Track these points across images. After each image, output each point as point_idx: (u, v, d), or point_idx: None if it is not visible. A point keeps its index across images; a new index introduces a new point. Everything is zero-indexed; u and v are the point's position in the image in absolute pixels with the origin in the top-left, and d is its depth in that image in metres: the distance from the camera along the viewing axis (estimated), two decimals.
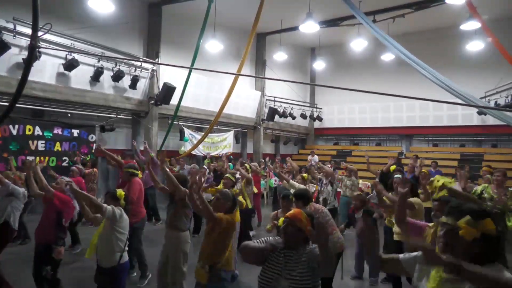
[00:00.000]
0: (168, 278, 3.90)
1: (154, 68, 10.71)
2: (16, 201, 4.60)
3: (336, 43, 15.61)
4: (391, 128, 15.56)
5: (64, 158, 8.81)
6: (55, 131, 8.66)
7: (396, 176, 4.96)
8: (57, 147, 8.70)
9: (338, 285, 4.65)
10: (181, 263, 3.91)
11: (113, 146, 10.18)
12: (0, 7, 7.79)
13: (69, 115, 9.19)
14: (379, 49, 12.91)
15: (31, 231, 5.95)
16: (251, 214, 7.37)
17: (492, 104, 11.89)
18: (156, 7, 11.16)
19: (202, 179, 3.36)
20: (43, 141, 8.43)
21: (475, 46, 11.54)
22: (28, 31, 4.57)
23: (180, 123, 11.51)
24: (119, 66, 9.49)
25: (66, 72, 8.57)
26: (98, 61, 9.03)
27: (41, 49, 7.26)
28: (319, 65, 14.98)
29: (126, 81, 9.79)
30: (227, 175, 5.73)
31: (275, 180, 10.19)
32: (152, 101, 10.73)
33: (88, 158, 8.73)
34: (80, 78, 8.94)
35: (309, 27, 9.49)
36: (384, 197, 4.05)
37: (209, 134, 11.48)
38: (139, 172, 5.12)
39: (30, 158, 7.76)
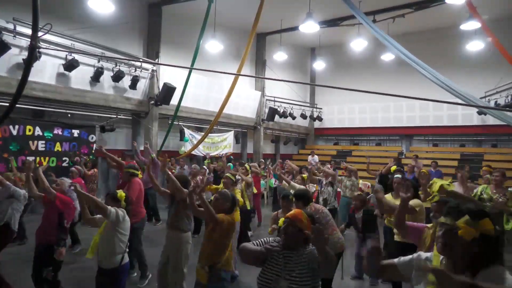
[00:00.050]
0: (168, 278, 3.90)
1: (154, 68, 10.72)
2: (16, 202, 4.60)
3: (336, 43, 15.61)
4: (391, 128, 15.56)
5: (64, 159, 8.81)
6: (55, 132, 8.67)
7: (396, 176, 4.95)
8: (57, 147, 8.70)
9: (338, 285, 4.65)
10: (182, 263, 3.91)
11: (113, 147, 10.19)
12: (0, 7, 7.80)
13: (69, 115, 9.20)
14: (379, 49, 12.91)
15: (30, 231, 5.95)
16: (250, 215, 7.38)
17: (492, 104, 11.89)
18: (156, 7, 11.16)
19: (204, 181, 3.37)
20: (43, 142, 8.44)
21: (475, 46, 11.54)
22: (28, 31, 4.57)
23: (180, 123, 11.51)
24: (119, 66, 9.49)
25: (66, 72, 8.58)
26: (98, 62, 9.04)
27: (41, 50, 7.26)
28: (319, 65, 14.98)
29: (126, 81, 9.79)
30: (227, 174, 5.74)
31: (275, 181, 10.18)
32: (152, 101, 10.74)
33: (88, 159, 8.73)
34: (80, 78, 8.95)
35: (309, 27, 9.49)
36: (384, 204, 4.05)
37: (209, 134, 11.48)
38: (139, 172, 5.12)
39: (30, 158, 7.78)
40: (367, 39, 12.00)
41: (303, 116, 15.80)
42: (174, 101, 10.19)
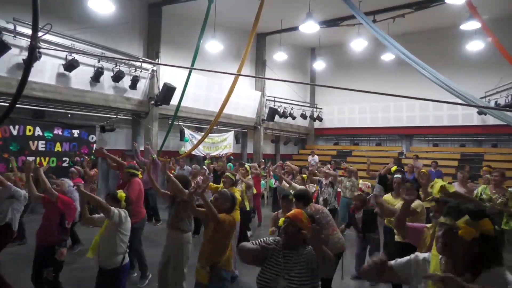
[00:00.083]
0: (169, 279, 3.90)
1: (154, 68, 10.72)
2: (17, 203, 4.60)
3: (336, 43, 15.61)
4: (391, 128, 15.57)
5: (64, 159, 8.82)
6: (56, 132, 8.67)
7: (396, 176, 4.96)
8: (58, 147, 8.70)
9: (338, 285, 4.65)
10: (183, 264, 3.91)
11: (113, 147, 10.19)
12: (0, 7, 7.80)
13: (69, 115, 9.20)
14: (379, 49, 12.91)
15: (29, 231, 5.95)
16: (250, 215, 7.38)
17: (492, 104, 11.89)
18: (156, 7, 11.16)
19: (205, 181, 3.37)
20: (44, 142, 8.44)
21: (475, 46, 11.54)
22: (28, 31, 4.57)
23: (180, 123, 11.51)
24: (119, 66, 9.50)
25: (66, 72, 8.58)
26: (98, 62, 9.04)
27: (41, 50, 7.26)
28: (319, 65, 14.98)
29: (126, 81, 9.79)
30: (226, 173, 5.74)
31: (275, 181, 10.18)
32: (152, 102, 10.74)
33: (89, 159, 8.74)
34: (80, 78, 8.95)
35: (309, 27, 9.49)
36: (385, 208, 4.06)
37: (209, 135, 11.48)
38: (139, 173, 5.12)
39: (31, 158, 7.78)
40: (367, 39, 12.00)
41: (303, 116, 15.80)
42: (174, 101, 10.19)
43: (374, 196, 3.83)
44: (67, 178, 5.15)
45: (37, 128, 8.32)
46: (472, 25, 9.48)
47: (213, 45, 10.87)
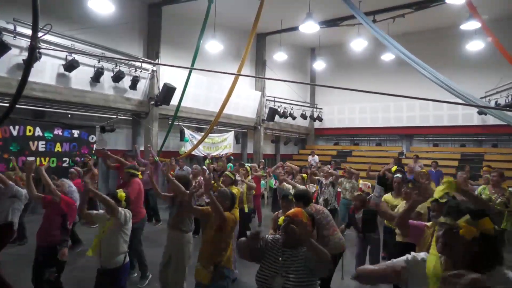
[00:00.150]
0: (169, 279, 3.90)
1: (154, 68, 10.72)
2: (18, 202, 4.61)
3: (336, 43, 15.61)
4: (391, 128, 15.56)
5: (64, 159, 8.82)
6: (56, 132, 8.67)
7: (396, 176, 4.96)
8: (58, 147, 8.71)
9: (338, 285, 4.65)
10: (184, 264, 3.92)
11: (113, 147, 10.19)
12: (0, 8, 7.80)
13: (69, 115, 9.20)
14: (379, 49, 12.91)
15: (29, 231, 5.97)
16: (250, 215, 7.38)
17: (492, 104, 11.89)
18: (156, 7, 11.16)
19: (209, 180, 3.37)
20: (44, 142, 8.44)
21: (475, 46, 11.54)
22: (28, 32, 4.57)
23: (180, 123, 11.52)
24: (119, 66, 9.50)
25: (66, 73, 8.58)
26: (98, 62, 9.04)
27: (41, 50, 7.26)
28: (319, 65, 14.98)
29: (126, 81, 9.79)
30: (226, 172, 5.75)
31: (275, 181, 10.18)
32: (152, 102, 10.74)
33: (88, 159, 8.76)
34: (80, 78, 8.95)
35: (309, 27, 9.48)
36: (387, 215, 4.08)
37: (209, 135, 11.48)
38: (139, 173, 5.13)
39: (31, 159, 7.78)
40: (367, 39, 12.00)
41: (303, 116, 15.80)
42: (174, 101, 10.20)
43: (376, 204, 3.85)
44: (67, 178, 5.17)
45: (37, 129, 8.33)
46: (472, 25, 9.48)
47: (213, 45, 10.86)
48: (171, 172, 8.62)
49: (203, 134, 11.33)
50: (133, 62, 9.86)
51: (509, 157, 12.43)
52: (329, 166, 9.32)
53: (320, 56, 15.15)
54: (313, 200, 4.65)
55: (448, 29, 13.04)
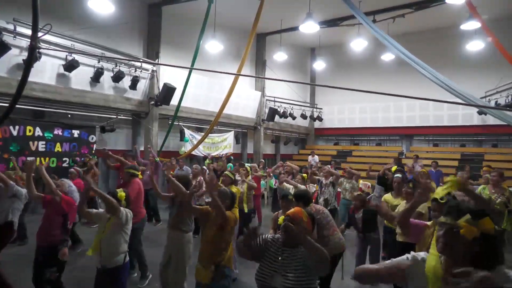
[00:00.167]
0: (170, 279, 3.90)
1: (154, 68, 10.72)
2: (17, 201, 4.60)
3: (336, 43, 15.61)
4: (391, 128, 15.56)
5: (64, 159, 8.82)
6: (56, 132, 8.67)
7: (396, 175, 4.96)
8: (58, 148, 8.71)
9: (338, 285, 4.66)
10: (184, 263, 3.92)
11: (113, 147, 10.18)
12: (0, 8, 7.81)
13: (69, 115, 9.20)
14: (379, 49, 12.91)
15: (29, 231, 5.97)
16: (251, 215, 7.37)
17: (492, 103, 11.89)
18: (156, 7, 11.16)
19: (213, 179, 3.37)
20: (44, 142, 8.44)
21: (475, 46, 11.54)
22: (28, 32, 4.57)
23: (180, 123, 11.52)
24: (119, 66, 9.50)
25: (66, 73, 8.58)
26: (98, 62, 9.04)
27: (41, 50, 7.26)
28: (319, 65, 14.98)
29: (126, 81, 9.80)
30: (225, 172, 5.75)
31: (275, 181, 10.18)
32: (152, 102, 10.74)
33: (88, 159, 8.76)
34: (80, 78, 8.95)
35: (309, 27, 9.48)
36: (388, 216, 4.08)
37: (209, 135, 11.48)
38: (139, 173, 5.13)
39: (30, 159, 7.77)
40: (367, 39, 12.00)
41: (303, 116, 15.80)
42: (174, 101, 10.20)
43: (378, 207, 3.85)
44: (67, 178, 5.17)
45: (37, 129, 8.33)
46: (472, 25, 9.48)
47: (213, 45, 10.86)
48: (171, 172, 8.64)
49: (203, 134, 11.33)
50: (133, 62, 9.87)
51: (509, 157, 12.43)
52: (329, 166, 9.31)
53: (320, 56, 15.15)
54: (313, 200, 4.65)
55: (448, 29, 13.04)
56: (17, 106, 3.11)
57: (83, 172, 6.30)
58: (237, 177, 6.53)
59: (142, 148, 10.72)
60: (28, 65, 3.24)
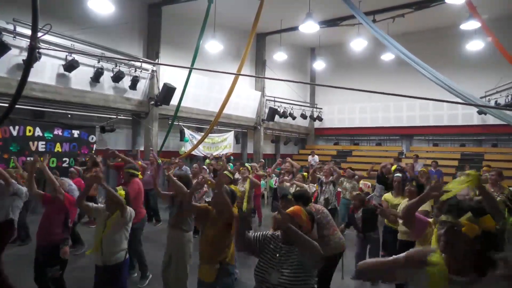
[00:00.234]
0: (171, 278, 3.90)
1: (154, 68, 10.72)
2: (18, 200, 4.60)
3: (336, 43, 15.61)
4: (391, 128, 15.57)
5: (64, 159, 8.82)
6: (55, 132, 8.67)
7: (396, 175, 4.96)
8: (58, 148, 8.71)
9: (338, 285, 4.65)
10: (185, 262, 3.92)
11: (113, 147, 10.15)
12: (0, 8, 7.80)
13: (69, 116, 9.21)
14: (379, 49, 12.91)
15: (30, 231, 5.97)
16: (251, 214, 7.36)
17: (492, 103, 11.89)
18: (156, 7, 11.17)
19: (224, 176, 3.39)
20: (44, 142, 8.44)
21: (475, 46, 11.54)
22: (28, 32, 4.58)
23: (180, 123, 11.52)
24: (119, 66, 9.50)
25: (66, 73, 8.58)
26: (98, 62, 9.04)
27: (41, 50, 7.26)
28: (319, 65, 14.99)
29: (126, 81, 9.80)
30: (225, 172, 5.73)
31: (275, 181, 10.18)
32: (152, 102, 10.74)
33: (87, 159, 8.76)
34: (80, 79, 8.95)
35: (309, 27, 9.49)
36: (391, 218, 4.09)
37: (209, 135, 11.49)
38: (139, 173, 5.13)
39: (30, 159, 7.78)
40: (367, 39, 12.00)
41: (303, 116, 15.80)
42: (174, 101, 10.21)
43: (381, 210, 3.85)
44: (67, 178, 5.16)
45: (37, 129, 8.33)
46: (472, 24, 9.48)
47: (213, 45, 10.87)
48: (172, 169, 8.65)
49: (203, 134, 11.33)
50: (133, 62, 9.87)
51: (509, 156, 12.43)
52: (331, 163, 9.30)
53: (320, 56, 15.16)
54: (313, 200, 4.64)
55: (448, 29, 13.05)
56: (17, 106, 3.11)
57: (83, 171, 6.30)
58: (237, 176, 6.51)
59: (142, 148, 10.72)
60: (28, 65, 3.24)
